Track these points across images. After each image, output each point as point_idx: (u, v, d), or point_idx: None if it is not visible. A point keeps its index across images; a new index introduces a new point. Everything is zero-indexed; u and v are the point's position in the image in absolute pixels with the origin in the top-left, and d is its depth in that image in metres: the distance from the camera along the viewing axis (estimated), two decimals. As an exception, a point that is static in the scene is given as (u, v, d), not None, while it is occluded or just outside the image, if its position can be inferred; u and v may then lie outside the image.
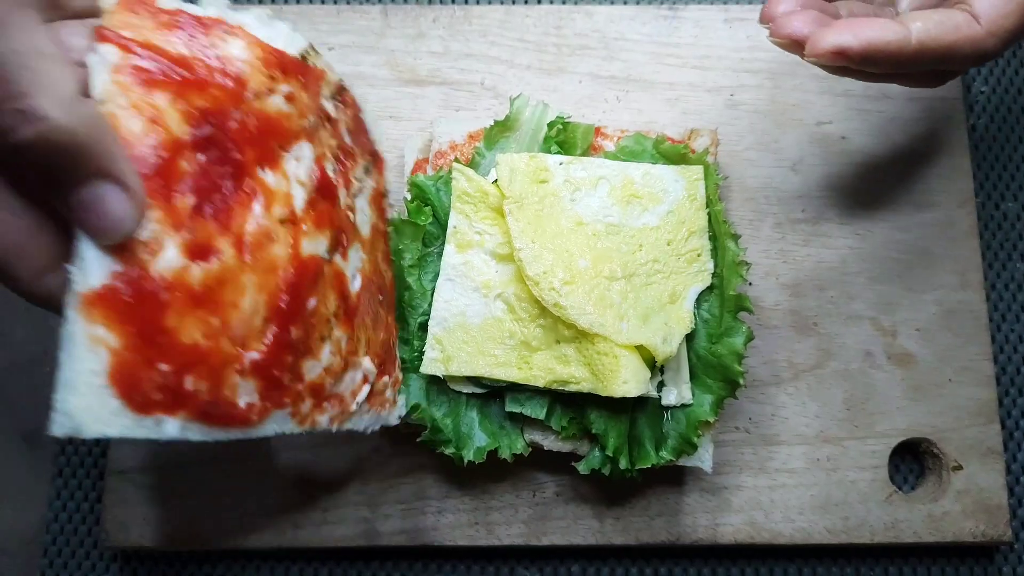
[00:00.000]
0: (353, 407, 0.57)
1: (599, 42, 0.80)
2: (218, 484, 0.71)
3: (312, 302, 0.52)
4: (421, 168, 0.71)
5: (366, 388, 0.58)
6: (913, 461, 0.75)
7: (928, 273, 0.75)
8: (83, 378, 0.43)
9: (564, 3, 0.84)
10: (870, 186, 0.77)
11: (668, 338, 0.63)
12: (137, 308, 0.44)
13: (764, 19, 0.58)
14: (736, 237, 0.66)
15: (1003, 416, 0.76)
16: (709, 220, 0.67)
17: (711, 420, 0.64)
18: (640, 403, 0.64)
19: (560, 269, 0.62)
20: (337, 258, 0.55)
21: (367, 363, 0.58)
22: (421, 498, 0.70)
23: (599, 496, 0.71)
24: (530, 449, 0.66)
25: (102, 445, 0.75)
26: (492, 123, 0.70)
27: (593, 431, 0.64)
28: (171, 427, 0.46)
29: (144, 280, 0.44)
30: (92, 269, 0.43)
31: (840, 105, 0.78)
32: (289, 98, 0.52)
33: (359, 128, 0.63)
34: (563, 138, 0.69)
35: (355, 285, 0.57)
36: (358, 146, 0.61)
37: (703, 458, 0.65)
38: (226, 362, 0.47)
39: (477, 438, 0.65)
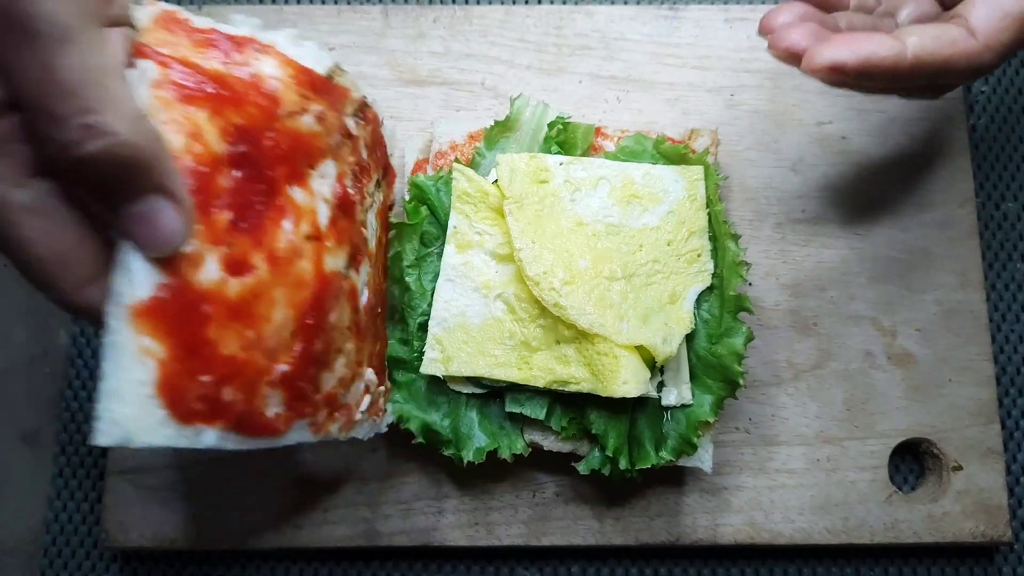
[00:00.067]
0: (358, 416, 0.58)
1: (599, 42, 0.80)
2: (218, 484, 0.71)
3: (333, 316, 0.53)
4: (421, 168, 0.71)
5: (368, 398, 0.59)
6: (913, 461, 0.75)
7: (928, 273, 0.75)
8: (131, 388, 0.43)
9: (564, 3, 0.84)
10: (870, 186, 0.77)
11: (668, 338, 0.63)
12: (182, 320, 0.45)
13: (763, 30, 0.59)
14: (736, 237, 0.66)
15: (1003, 416, 0.76)
16: (709, 220, 0.67)
17: (711, 420, 0.64)
18: (640, 403, 0.64)
19: (560, 269, 0.62)
20: (351, 272, 0.57)
21: (369, 373, 0.59)
22: (421, 498, 0.70)
23: (599, 496, 0.71)
24: (530, 449, 0.66)
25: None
26: (492, 123, 0.70)
27: (593, 431, 0.64)
28: (209, 437, 0.47)
29: (188, 292, 0.45)
30: (139, 281, 0.44)
31: (840, 105, 0.78)
32: (319, 117, 0.53)
33: (376, 142, 0.64)
34: (563, 138, 0.69)
35: (363, 298, 0.59)
36: (372, 161, 0.62)
37: (703, 458, 0.65)
38: (260, 374, 0.48)
39: (477, 438, 0.65)
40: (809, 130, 0.78)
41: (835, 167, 0.77)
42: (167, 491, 0.70)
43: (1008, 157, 0.82)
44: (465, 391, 0.65)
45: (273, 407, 0.50)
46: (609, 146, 0.71)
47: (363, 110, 0.60)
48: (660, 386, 0.65)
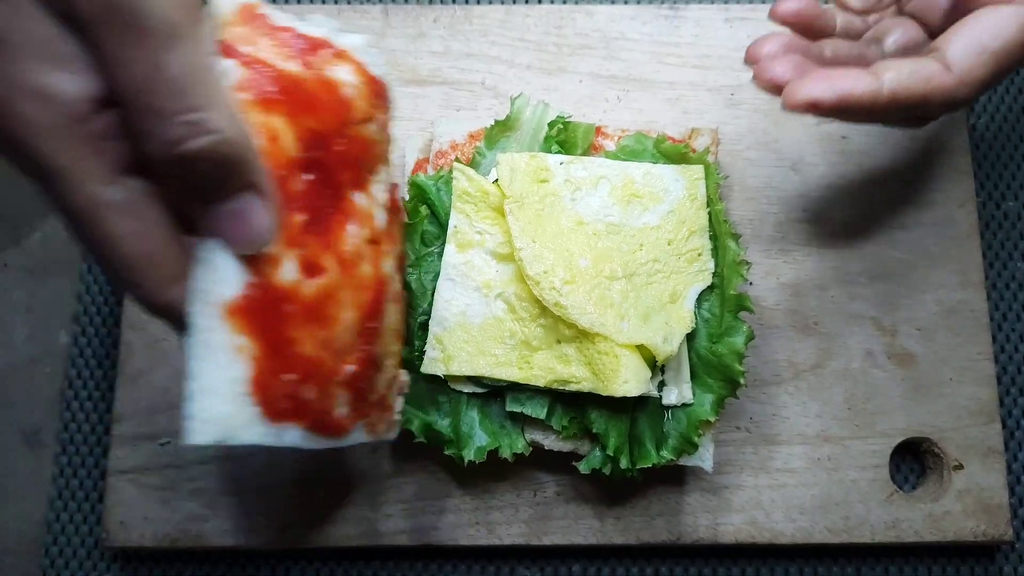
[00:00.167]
0: (396, 416, 0.58)
1: (600, 42, 0.80)
2: (218, 484, 0.71)
3: (387, 319, 0.54)
4: (422, 168, 0.71)
5: (402, 399, 0.59)
6: (914, 461, 0.75)
7: (928, 273, 0.75)
8: (225, 386, 0.44)
9: (565, 3, 0.84)
10: (871, 186, 0.77)
11: (669, 337, 0.63)
12: (268, 318, 0.45)
13: (749, 59, 0.60)
14: (737, 236, 0.66)
15: (1004, 415, 0.76)
16: (710, 219, 0.67)
17: (712, 420, 0.64)
18: (641, 403, 0.64)
19: (560, 269, 0.62)
20: (397, 276, 0.57)
21: (404, 375, 0.60)
22: (422, 498, 0.70)
23: (600, 496, 0.71)
24: (531, 449, 0.66)
25: (103, 445, 0.75)
26: (493, 123, 0.70)
27: (594, 431, 0.64)
28: (293, 435, 0.47)
29: (272, 291, 0.45)
30: (228, 279, 0.44)
31: (840, 105, 0.78)
32: (382, 125, 0.54)
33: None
34: (564, 138, 0.69)
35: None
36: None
37: (704, 458, 0.65)
38: (331, 374, 0.49)
39: (478, 438, 0.65)
40: (809, 130, 0.78)
41: (835, 167, 0.77)
42: (168, 491, 0.70)
43: (1008, 157, 0.82)
44: (466, 390, 0.65)
45: (341, 407, 0.50)
46: (609, 145, 0.71)
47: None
48: (661, 385, 0.65)
